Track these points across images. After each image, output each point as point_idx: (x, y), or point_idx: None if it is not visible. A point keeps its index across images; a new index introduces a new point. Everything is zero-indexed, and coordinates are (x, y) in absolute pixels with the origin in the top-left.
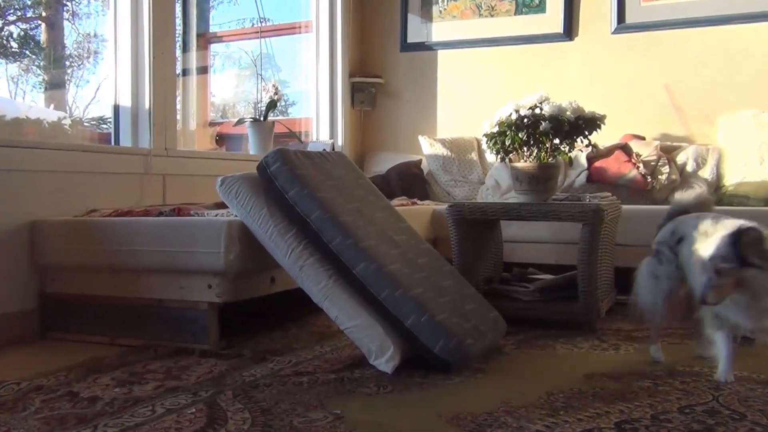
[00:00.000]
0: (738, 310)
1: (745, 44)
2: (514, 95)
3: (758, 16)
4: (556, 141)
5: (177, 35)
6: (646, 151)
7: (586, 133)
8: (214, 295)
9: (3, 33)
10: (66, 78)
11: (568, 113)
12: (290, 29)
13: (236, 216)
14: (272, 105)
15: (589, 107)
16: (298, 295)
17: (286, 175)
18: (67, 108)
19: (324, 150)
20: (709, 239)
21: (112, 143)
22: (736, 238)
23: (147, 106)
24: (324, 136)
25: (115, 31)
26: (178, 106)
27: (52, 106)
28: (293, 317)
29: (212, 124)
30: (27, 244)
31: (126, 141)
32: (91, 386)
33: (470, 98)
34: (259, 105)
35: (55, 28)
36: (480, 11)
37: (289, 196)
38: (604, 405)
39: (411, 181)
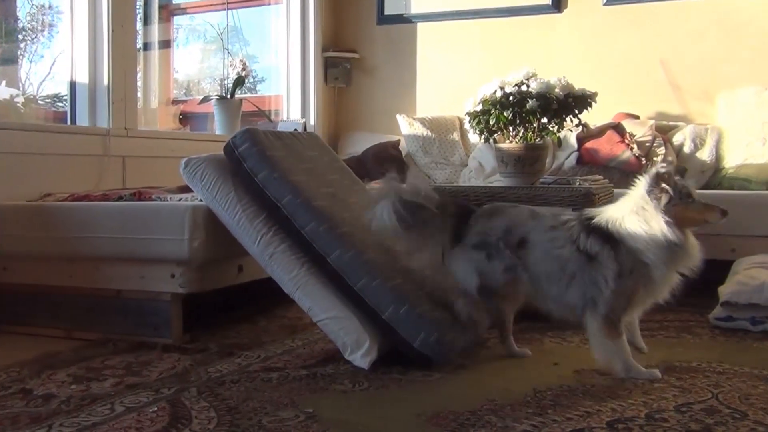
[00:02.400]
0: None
1: (747, 16)
2: (499, 71)
3: None
4: (544, 120)
5: (137, 7)
6: (640, 131)
7: (576, 111)
8: (177, 286)
9: None
10: (18, 53)
11: (556, 90)
12: (259, 0)
13: (201, 200)
14: (240, 82)
15: (580, 84)
16: (268, 285)
17: (255, 157)
18: (20, 85)
19: (295, 130)
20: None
21: (68, 122)
22: None
23: (105, 82)
24: (295, 114)
25: (71, 2)
26: (139, 83)
27: (3, 83)
28: (262, 309)
29: (175, 102)
30: None
31: (83, 120)
32: (46, 383)
33: (452, 74)
34: (225, 82)
35: None
36: None
37: (258, 179)
38: (596, 403)
39: (388, 163)
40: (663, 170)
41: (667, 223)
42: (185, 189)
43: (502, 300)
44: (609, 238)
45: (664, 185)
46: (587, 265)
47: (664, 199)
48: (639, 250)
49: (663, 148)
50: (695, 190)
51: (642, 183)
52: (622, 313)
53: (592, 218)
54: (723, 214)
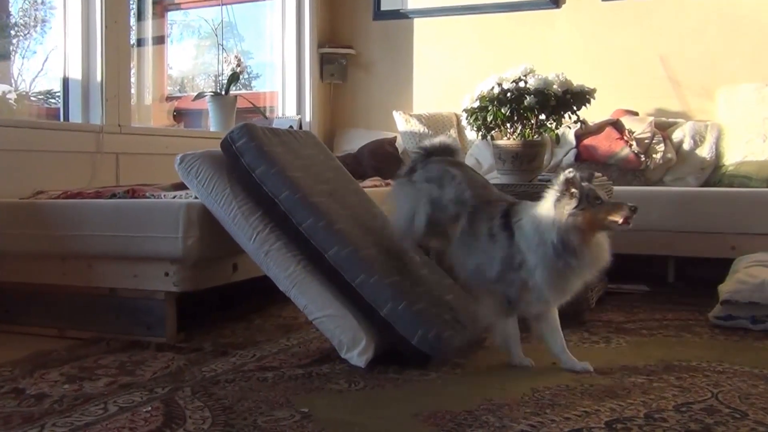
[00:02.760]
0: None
1: (747, 11)
2: (496, 67)
3: None
4: (542, 117)
5: (131, 2)
6: (639, 127)
7: (575, 108)
8: (171, 284)
9: None
10: (11, 48)
11: (554, 87)
12: None
13: (196, 197)
14: (234, 78)
15: (578, 80)
16: (263, 283)
17: (253, 152)
18: (12, 81)
19: (291, 127)
20: None
21: (61, 119)
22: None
23: (99, 79)
24: (290, 111)
25: None
26: (133, 79)
27: None
28: (257, 308)
29: (169, 98)
30: None
31: (76, 117)
32: (38, 382)
33: (449, 71)
34: (220, 78)
35: None
36: None
37: (256, 174)
38: (594, 402)
39: (384, 160)
40: (571, 175)
41: (563, 232)
42: (179, 186)
43: (445, 242)
44: (508, 226)
45: (573, 190)
46: (489, 242)
47: (572, 204)
48: (524, 250)
49: (662, 145)
50: (604, 192)
51: (551, 192)
52: (512, 298)
53: (514, 204)
54: (632, 210)
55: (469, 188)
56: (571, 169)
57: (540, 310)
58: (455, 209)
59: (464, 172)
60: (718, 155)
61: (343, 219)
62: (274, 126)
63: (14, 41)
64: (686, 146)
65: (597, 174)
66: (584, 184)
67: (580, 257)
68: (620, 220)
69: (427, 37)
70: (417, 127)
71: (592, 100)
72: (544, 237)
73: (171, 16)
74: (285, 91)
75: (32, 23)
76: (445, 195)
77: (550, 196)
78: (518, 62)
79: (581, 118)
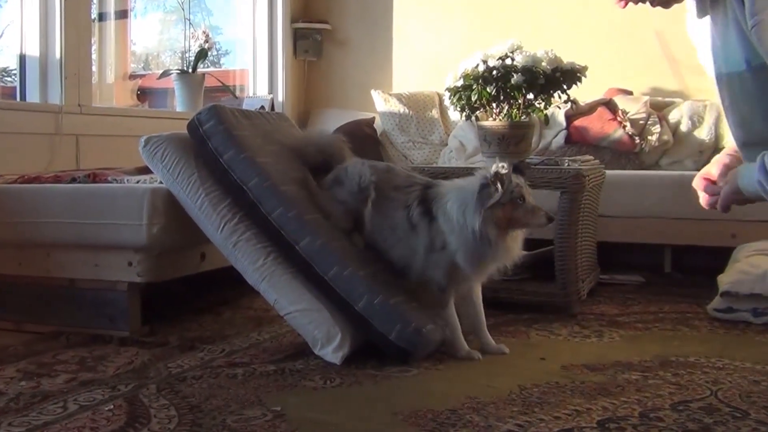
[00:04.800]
0: None
1: None
2: (481, 43)
3: None
4: (530, 96)
5: None
6: (633, 107)
7: (565, 86)
8: (135, 274)
9: None
10: None
11: (543, 64)
12: None
13: (161, 183)
14: (202, 55)
15: (568, 57)
16: (233, 273)
17: (221, 136)
18: None
19: (262, 107)
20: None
21: (17, 98)
22: None
23: (57, 55)
24: (262, 90)
25: None
26: (94, 56)
27: None
28: (226, 300)
29: (133, 76)
30: None
31: (33, 96)
32: None
33: (431, 47)
34: (187, 55)
35: None
36: None
37: (223, 159)
38: (586, 401)
39: (362, 142)
40: (503, 171)
41: (482, 222)
42: (144, 170)
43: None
44: (430, 211)
45: (498, 185)
46: (410, 233)
47: (493, 198)
48: (446, 231)
49: (658, 126)
50: (530, 192)
51: (478, 177)
52: (444, 284)
53: (431, 187)
54: (548, 219)
55: (368, 171)
56: (504, 165)
57: (465, 290)
58: (361, 197)
59: (357, 162)
60: (717, 137)
61: (315, 208)
62: (244, 106)
63: None
64: (684, 127)
65: (588, 157)
66: (514, 181)
67: (494, 249)
68: (535, 225)
69: (408, 11)
70: (397, 107)
71: (583, 78)
72: (466, 222)
73: None
74: (256, 68)
75: None
76: (345, 189)
77: (476, 180)
78: (505, 38)
79: (572, 98)
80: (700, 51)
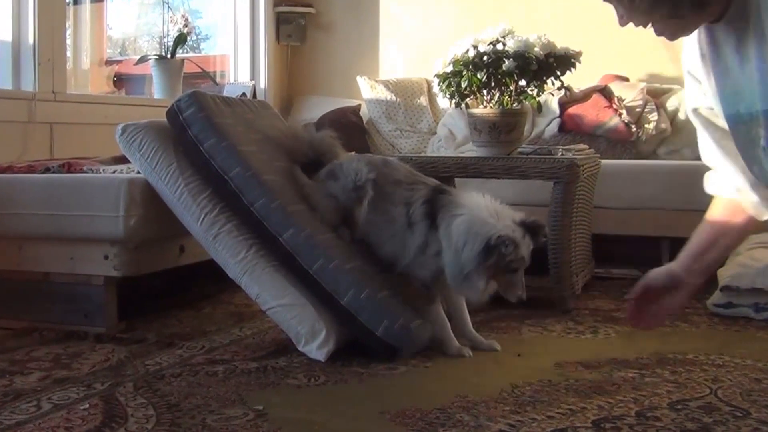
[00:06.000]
0: None
1: None
2: (472, 28)
3: None
4: (522, 83)
5: None
6: (630, 94)
7: (558, 73)
8: (111, 268)
9: None
10: None
11: (536, 49)
12: None
13: (139, 172)
14: (181, 39)
15: (562, 42)
16: (213, 267)
17: (201, 123)
18: None
19: (243, 95)
20: None
21: None
22: None
23: (31, 40)
24: (243, 76)
25: None
26: (69, 41)
27: None
28: (206, 294)
29: (109, 62)
30: None
31: (5, 83)
32: None
33: (419, 31)
34: (165, 39)
35: None
36: None
37: (204, 148)
38: (580, 400)
39: (347, 130)
40: (508, 245)
41: (474, 271)
42: (121, 159)
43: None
44: (434, 217)
45: (496, 256)
46: (405, 230)
47: (490, 260)
48: (444, 247)
49: (655, 114)
50: (526, 264)
51: (493, 230)
52: (429, 283)
53: (442, 192)
54: (518, 299)
55: (366, 168)
56: (515, 239)
57: (447, 290)
58: (355, 195)
59: (354, 158)
60: None
61: (299, 200)
62: (225, 93)
63: None
64: (682, 115)
65: (582, 146)
66: (520, 253)
67: (472, 291)
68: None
69: None
70: (384, 94)
71: (577, 64)
72: (461, 258)
73: None
74: (237, 54)
75: None
76: (339, 185)
77: (489, 232)
78: (496, 22)
79: (565, 85)
80: (702, 88)
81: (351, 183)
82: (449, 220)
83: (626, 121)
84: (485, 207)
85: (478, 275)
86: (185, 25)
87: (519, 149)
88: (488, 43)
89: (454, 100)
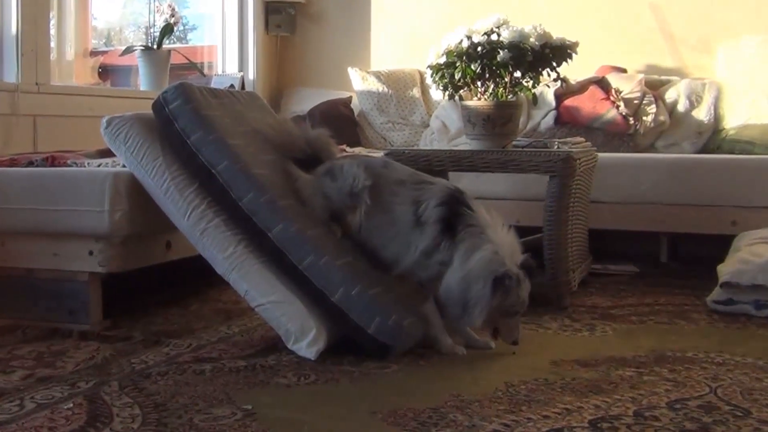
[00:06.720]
0: None
1: None
2: (465, 18)
3: None
4: (517, 74)
5: None
6: (627, 86)
7: (554, 64)
8: (96, 264)
9: None
10: None
11: (531, 40)
12: None
13: (124, 166)
14: (168, 30)
15: (558, 33)
16: (200, 263)
17: (188, 116)
18: None
19: (232, 86)
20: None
21: None
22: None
23: (13, 31)
24: (231, 68)
25: None
26: (52, 31)
27: None
28: (194, 291)
29: (94, 53)
30: None
31: None
32: None
33: (412, 21)
34: (151, 30)
35: None
36: None
37: (191, 141)
38: (576, 399)
39: (338, 123)
40: (512, 281)
41: (479, 307)
42: (106, 153)
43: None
44: (452, 226)
45: (502, 291)
46: (412, 229)
47: (494, 299)
48: (455, 266)
49: (653, 106)
50: (524, 306)
51: (502, 265)
52: (424, 281)
53: (463, 203)
54: (513, 343)
55: (363, 175)
56: (518, 279)
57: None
58: (350, 201)
59: (353, 162)
60: (717, 118)
61: (289, 194)
62: (212, 84)
63: None
64: (681, 107)
65: (579, 138)
66: (521, 296)
67: (468, 321)
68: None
69: None
70: (375, 85)
71: (573, 55)
72: (469, 291)
73: None
74: (225, 44)
75: None
76: (335, 186)
77: (498, 265)
78: (490, 12)
79: (562, 76)
80: None
81: (347, 187)
82: (472, 248)
83: (624, 113)
84: (508, 244)
85: (480, 312)
86: (172, 15)
87: (514, 142)
88: (482, 33)
89: (447, 92)
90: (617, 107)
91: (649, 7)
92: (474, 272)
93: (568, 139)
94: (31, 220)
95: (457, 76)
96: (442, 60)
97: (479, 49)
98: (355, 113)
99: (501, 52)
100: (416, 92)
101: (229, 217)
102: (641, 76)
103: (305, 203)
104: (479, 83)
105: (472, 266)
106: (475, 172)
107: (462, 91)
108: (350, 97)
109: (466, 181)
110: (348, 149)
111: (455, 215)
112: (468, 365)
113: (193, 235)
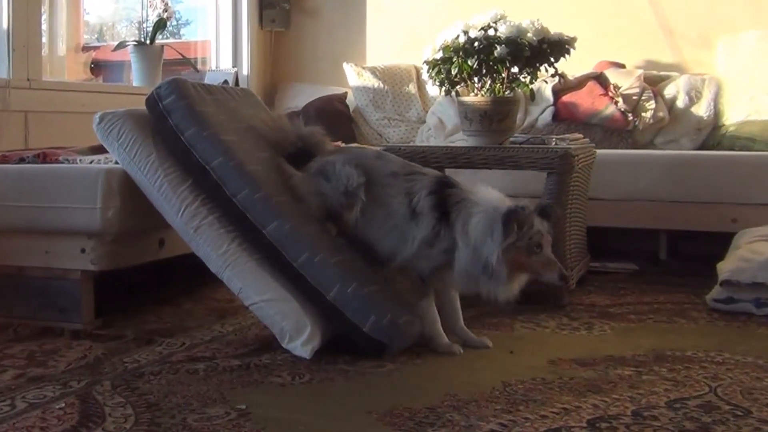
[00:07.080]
0: None
1: None
2: (462, 13)
3: None
4: (515, 70)
5: None
6: (626, 82)
7: (552, 59)
8: (88, 262)
9: None
10: None
11: (529, 35)
12: None
13: (117, 163)
14: (161, 25)
15: (556, 28)
16: (194, 261)
17: (182, 112)
18: None
19: (225, 82)
20: None
21: None
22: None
23: (4, 26)
24: (225, 63)
25: None
26: (44, 26)
27: None
28: (187, 289)
29: (86, 48)
30: None
31: None
32: None
33: (408, 16)
34: (144, 25)
35: None
36: None
37: (185, 137)
38: (575, 398)
39: (333, 119)
40: (523, 211)
41: (498, 259)
42: (98, 149)
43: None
44: (446, 212)
45: (515, 226)
46: (408, 221)
47: (508, 239)
48: (459, 246)
49: (653, 102)
50: (550, 241)
51: (502, 212)
52: (426, 276)
53: (451, 186)
54: (562, 278)
55: (356, 172)
56: (524, 207)
57: (442, 286)
58: (345, 200)
59: (346, 160)
60: (716, 113)
61: (284, 191)
62: (206, 80)
63: None
64: (680, 103)
65: (577, 135)
66: (536, 227)
67: (496, 285)
68: (547, 280)
69: None
70: (371, 81)
71: (572, 50)
72: (484, 250)
73: None
74: (219, 40)
75: None
76: (330, 186)
77: (504, 208)
78: (487, 7)
79: (560, 71)
80: None
81: (342, 186)
82: (466, 219)
83: (622, 109)
84: (498, 198)
85: (499, 262)
86: (165, 10)
87: (511, 138)
88: (479, 28)
89: (443, 88)
90: (616, 103)
91: (648, 2)
92: (478, 237)
93: (566, 135)
94: (22, 217)
95: (454, 71)
96: (439, 55)
97: (476, 44)
98: (351, 109)
99: (498, 47)
100: (412, 88)
101: (223, 214)
102: (640, 71)
103: (301, 201)
104: (476, 79)
105: (474, 234)
106: (472, 168)
107: (459, 86)
108: (345, 93)
109: (462, 178)
110: (343, 146)
111: (445, 199)
112: (465, 365)
113: (186, 232)
